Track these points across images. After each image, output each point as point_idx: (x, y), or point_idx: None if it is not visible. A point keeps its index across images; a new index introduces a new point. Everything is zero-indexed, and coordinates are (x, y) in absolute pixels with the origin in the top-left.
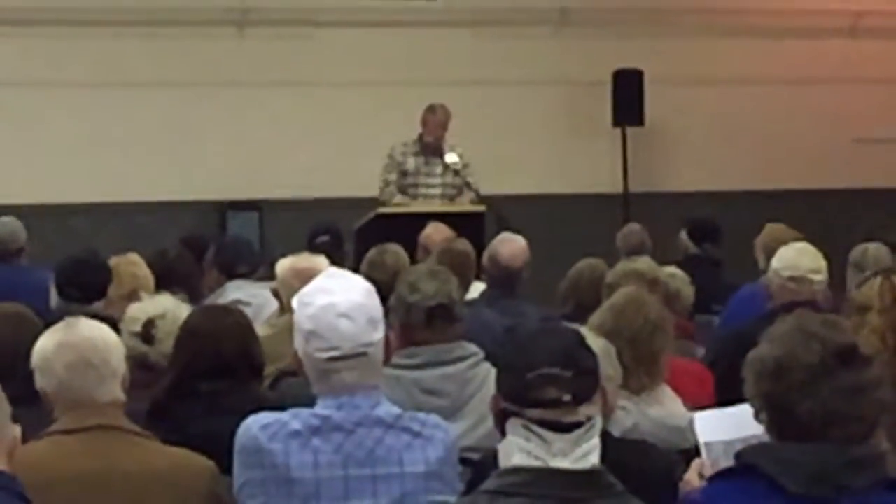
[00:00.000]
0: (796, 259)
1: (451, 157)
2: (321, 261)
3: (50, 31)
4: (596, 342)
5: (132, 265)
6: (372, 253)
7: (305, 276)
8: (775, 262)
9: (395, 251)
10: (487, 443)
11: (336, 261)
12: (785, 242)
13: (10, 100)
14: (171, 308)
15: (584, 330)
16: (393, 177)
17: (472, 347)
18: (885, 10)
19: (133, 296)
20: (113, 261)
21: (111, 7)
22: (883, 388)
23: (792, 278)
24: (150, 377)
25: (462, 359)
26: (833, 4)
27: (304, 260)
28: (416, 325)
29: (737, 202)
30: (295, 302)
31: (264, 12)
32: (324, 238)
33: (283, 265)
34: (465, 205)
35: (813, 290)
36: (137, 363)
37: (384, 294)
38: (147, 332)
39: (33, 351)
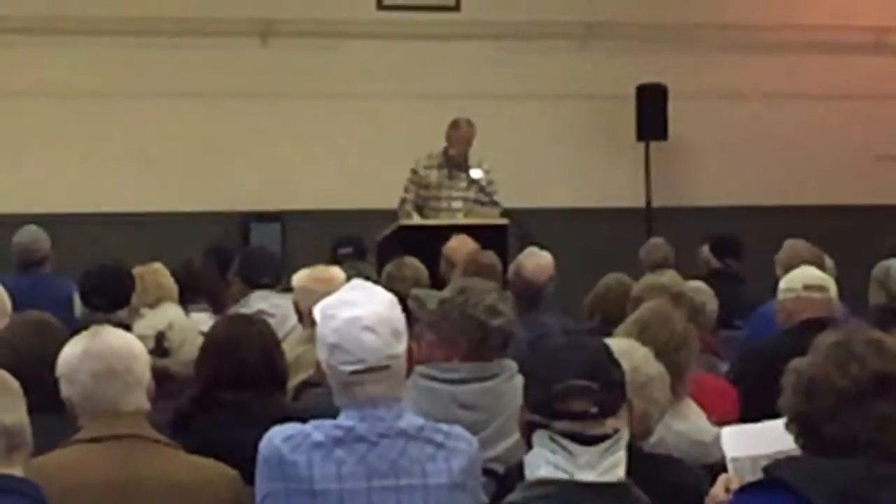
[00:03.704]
0: (804, 271)
1: (476, 173)
2: (337, 271)
3: (73, 41)
4: (653, 366)
5: (156, 274)
6: (390, 266)
7: (323, 288)
8: (785, 283)
9: (413, 264)
10: (513, 455)
11: (362, 272)
12: (804, 258)
13: (34, 110)
14: (175, 318)
15: (644, 351)
16: (410, 196)
17: (509, 363)
18: None
19: (157, 305)
20: (137, 270)
21: (134, 17)
22: None
23: (807, 287)
24: (172, 387)
25: (497, 374)
26: (857, 20)
27: (321, 271)
28: (493, 346)
29: (759, 217)
30: (318, 313)
31: (288, 23)
32: (347, 250)
33: (300, 277)
34: (487, 217)
35: (829, 298)
36: (157, 376)
37: (404, 306)
38: (160, 346)
39: (59, 359)
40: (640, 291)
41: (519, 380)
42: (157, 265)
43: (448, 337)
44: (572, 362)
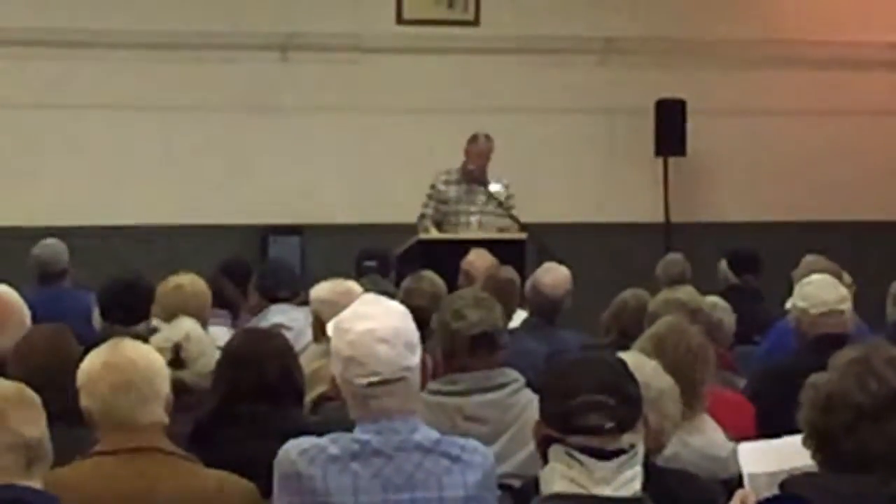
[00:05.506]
0: (820, 294)
1: (495, 187)
2: (354, 285)
3: (93, 53)
4: (664, 379)
5: (176, 287)
6: (408, 281)
7: (346, 300)
8: (800, 302)
9: (431, 278)
10: (527, 468)
11: (379, 286)
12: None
13: (53, 122)
14: (191, 329)
15: (653, 365)
16: (429, 211)
17: (514, 374)
18: None
19: (174, 318)
20: (173, 279)
21: (153, 31)
22: None
23: (822, 314)
24: (189, 400)
25: (503, 385)
26: (877, 36)
27: (340, 284)
28: (459, 352)
29: (778, 233)
30: (331, 328)
31: (308, 37)
32: (371, 263)
33: (322, 289)
34: (505, 232)
35: (844, 319)
36: (174, 388)
37: (421, 321)
38: (177, 357)
39: (79, 370)
40: (657, 307)
41: (526, 392)
42: (176, 277)
43: (432, 346)
44: (589, 377)
